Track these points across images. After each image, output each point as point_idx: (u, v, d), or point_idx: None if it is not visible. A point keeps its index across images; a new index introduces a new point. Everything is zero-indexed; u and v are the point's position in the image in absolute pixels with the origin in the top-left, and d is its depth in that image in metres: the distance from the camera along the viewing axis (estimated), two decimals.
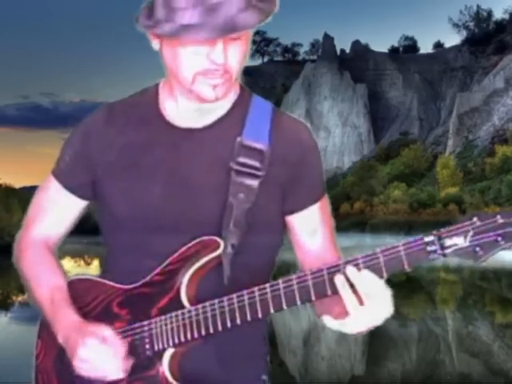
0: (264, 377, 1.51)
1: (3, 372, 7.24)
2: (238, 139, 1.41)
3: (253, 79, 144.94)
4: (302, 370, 9.22)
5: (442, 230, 1.22)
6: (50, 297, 1.46)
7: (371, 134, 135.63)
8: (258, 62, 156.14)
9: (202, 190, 1.41)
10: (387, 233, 71.53)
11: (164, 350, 1.37)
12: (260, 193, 1.39)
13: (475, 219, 1.20)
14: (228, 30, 1.29)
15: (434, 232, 1.22)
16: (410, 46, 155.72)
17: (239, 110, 1.46)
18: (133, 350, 1.38)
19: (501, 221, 1.19)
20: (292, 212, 1.47)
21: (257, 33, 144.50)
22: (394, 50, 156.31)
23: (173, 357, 1.37)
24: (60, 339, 1.41)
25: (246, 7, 1.31)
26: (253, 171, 1.39)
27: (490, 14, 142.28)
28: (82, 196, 1.52)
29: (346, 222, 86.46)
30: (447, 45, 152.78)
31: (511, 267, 26.76)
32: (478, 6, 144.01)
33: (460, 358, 10.25)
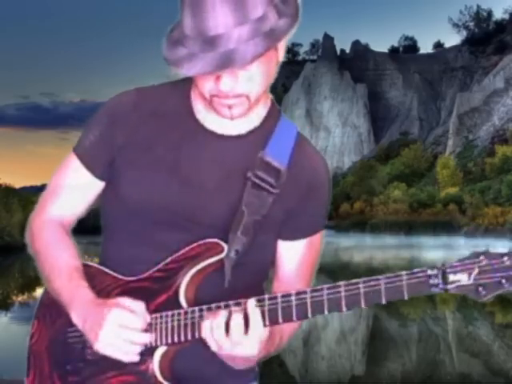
0: (256, 368, 1.53)
1: (3, 372, 7.24)
2: (260, 153, 1.42)
3: None
4: (302, 370, 9.22)
5: (447, 264, 1.21)
6: (68, 276, 1.43)
7: (371, 134, 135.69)
8: None
9: (217, 195, 1.41)
10: (387, 233, 71.57)
11: (156, 347, 1.37)
12: (270, 213, 1.41)
13: (482, 258, 1.19)
14: (223, 65, 1.25)
15: (439, 266, 1.22)
16: (410, 46, 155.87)
17: (267, 126, 1.46)
18: None
19: (507, 262, 1.17)
20: (284, 239, 1.49)
21: None
22: (394, 50, 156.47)
23: (164, 355, 1.37)
24: (75, 319, 1.39)
25: (250, 37, 1.25)
26: (268, 187, 1.40)
27: (489, 14, 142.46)
28: (101, 177, 1.50)
29: (346, 222, 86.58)
30: (447, 45, 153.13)
31: None
32: (478, 6, 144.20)
33: (460, 357, 10.26)
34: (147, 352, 1.36)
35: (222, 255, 1.36)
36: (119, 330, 1.32)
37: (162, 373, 1.36)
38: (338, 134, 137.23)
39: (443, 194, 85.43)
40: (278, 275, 1.52)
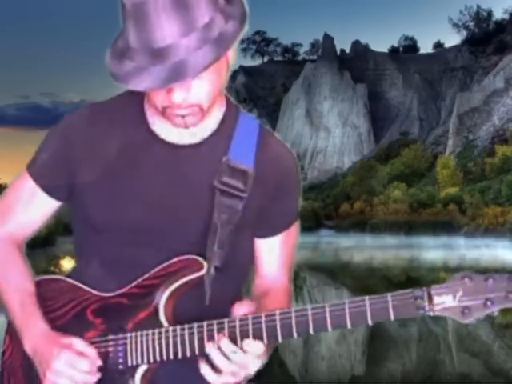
0: None
1: None
2: (224, 158, 1.37)
3: (253, 79, 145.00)
4: (302, 370, 9.23)
5: (433, 286, 1.22)
6: (19, 301, 1.40)
7: (371, 134, 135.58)
8: (258, 61, 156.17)
9: (185, 208, 1.38)
10: (387, 233, 71.45)
11: (137, 366, 1.34)
12: (241, 215, 1.37)
13: (466, 280, 1.20)
14: (173, 78, 1.20)
15: (424, 288, 1.22)
16: (410, 46, 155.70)
17: (226, 127, 1.41)
18: (105, 362, 1.36)
19: (492, 284, 1.18)
20: (260, 236, 1.47)
21: (257, 33, 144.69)
22: (394, 50, 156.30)
23: (145, 373, 1.35)
24: (27, 348, 1.37)
25: (199, 45, 1.20)
26: (236, 192, 1.36)
27: (490, 14, 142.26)
28: (57, 197, 1.46)
29: (346, 222, 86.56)
30: (447, 45, 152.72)
31: (511, 267, 26.74)
32: (478, 6, 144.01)
33: (460, 357, 10.26)
34: (129, 371, 1.35)
35: (202, 272, 1.34)
36: (68, 371, 1.30)
37: None
38: (338, 133, 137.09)
39: (443, 194, 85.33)
40: (258, 272, 1.50)
